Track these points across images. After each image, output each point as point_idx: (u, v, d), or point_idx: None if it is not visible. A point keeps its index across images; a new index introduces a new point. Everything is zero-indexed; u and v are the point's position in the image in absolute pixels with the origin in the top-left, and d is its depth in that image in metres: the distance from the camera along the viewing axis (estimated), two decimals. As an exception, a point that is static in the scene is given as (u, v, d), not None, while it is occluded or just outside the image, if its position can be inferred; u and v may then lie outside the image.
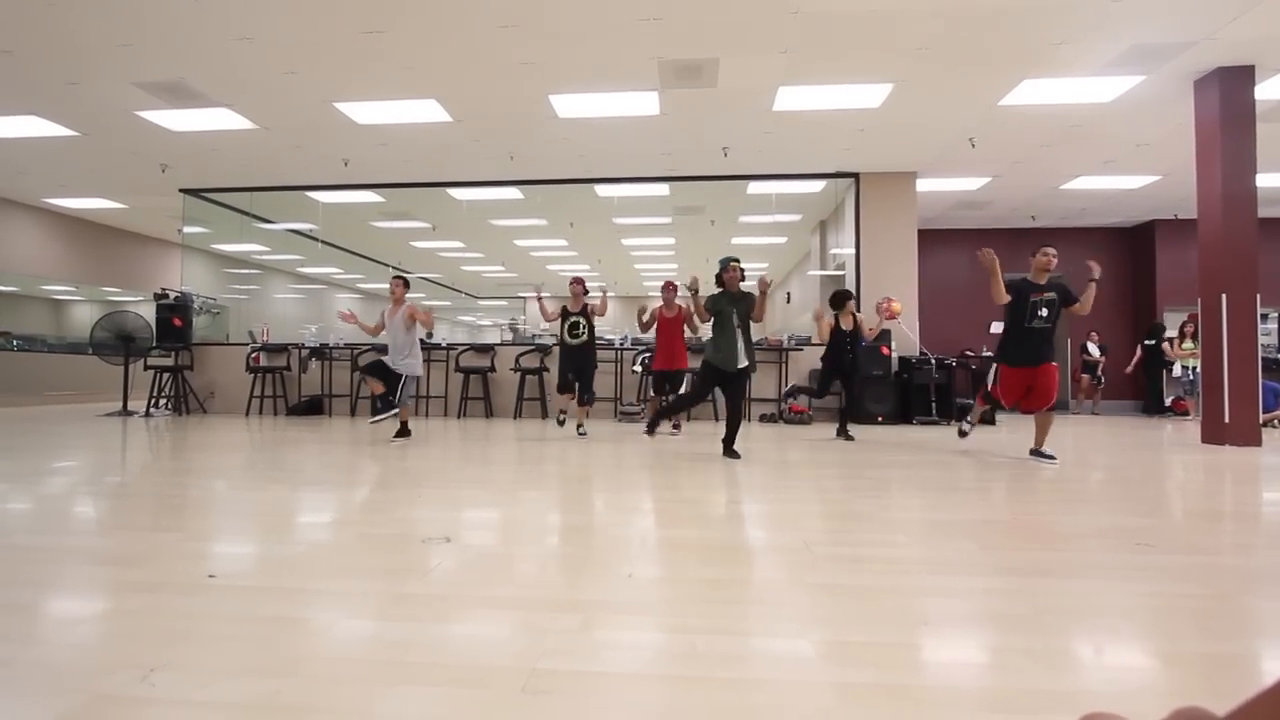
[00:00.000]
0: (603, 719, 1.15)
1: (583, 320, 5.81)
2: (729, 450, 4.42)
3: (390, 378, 5.36)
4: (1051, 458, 4.27)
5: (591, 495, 3.27)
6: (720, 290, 4.54)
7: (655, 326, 6.11)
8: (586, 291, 5.89)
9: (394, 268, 15.31)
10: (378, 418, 5.28)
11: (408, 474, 3.80)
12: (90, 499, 3.03)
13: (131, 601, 1.70)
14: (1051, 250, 4.36)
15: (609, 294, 6.02)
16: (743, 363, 4.42)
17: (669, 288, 6.17)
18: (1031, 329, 4.31)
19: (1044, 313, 4.29)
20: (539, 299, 6.08)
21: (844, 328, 5.75)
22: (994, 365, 4.64)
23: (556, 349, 6.22)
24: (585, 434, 5.85)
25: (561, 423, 6.22)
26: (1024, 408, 4.47)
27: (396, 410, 5.29)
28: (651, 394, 6.57)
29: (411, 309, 5.43)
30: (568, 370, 5.86)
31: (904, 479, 3.74)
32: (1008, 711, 1.18)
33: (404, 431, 5.45)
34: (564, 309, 5.90)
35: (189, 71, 5.54)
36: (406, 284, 5.68)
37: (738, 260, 4.49)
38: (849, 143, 7.13)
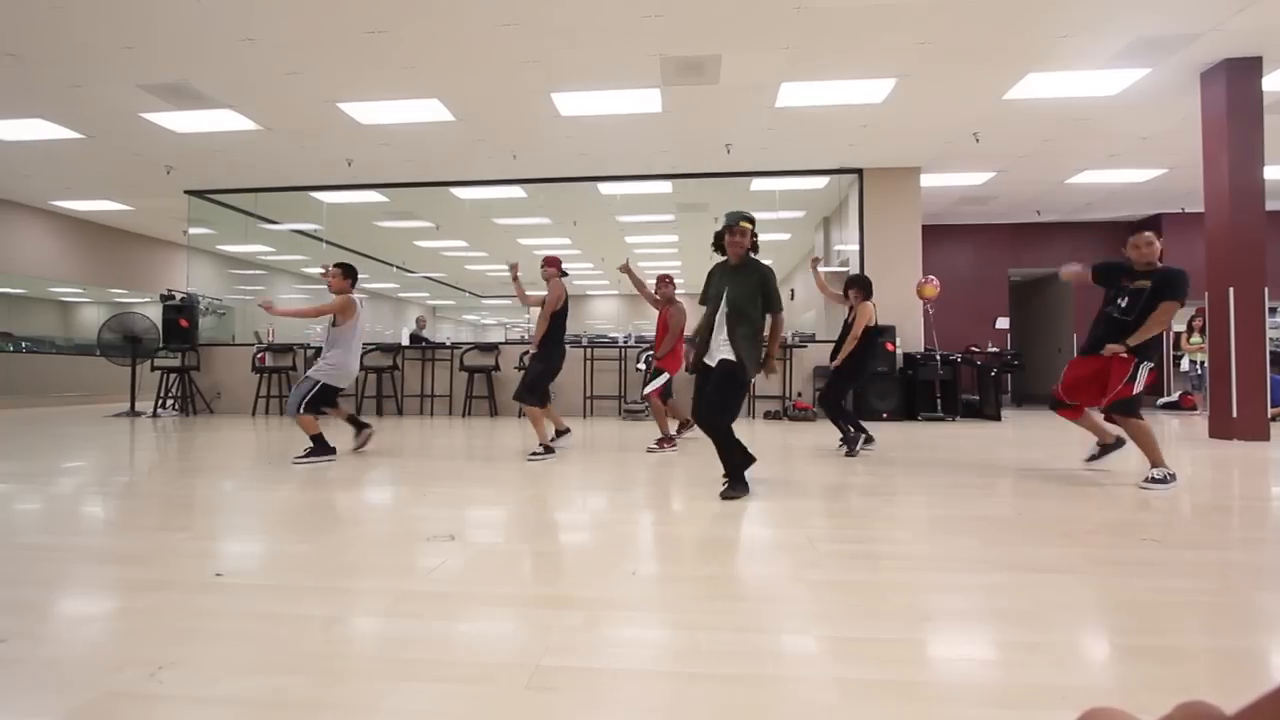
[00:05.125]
0: (606, 716, 1.15)
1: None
2: (728, 482, 3.11)
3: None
4: (1160, 481, 3.27)
5: (594, 493, 3.27)
6: (720, 263, 3.30)
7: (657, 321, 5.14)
8: (564, 273, 4.64)
9: (399, 267, 15.34)
10: (303, 460, 4.08)
11: (412, 473, 3.81)
12: (99, 499, 3.06)
13: (140, 600, 1.71)
14: (1144, 239, 3.40)
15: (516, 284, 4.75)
16: (721, 353, 3.13)
17: (664, 282, 5.10)
18: (1106, 316, 3.49)
19: (1123, 303, 3.42)
20: (515, 277, 4.82)
21: (847, 318, 4.85)
22: None
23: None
24: (539, 457, 4.31)
25: (555, 436, 4.88)
26: (1084, 403, 3.62)
27: (332, 457, 4.19)
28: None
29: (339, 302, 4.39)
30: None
31: (906, 475, 3.73)
32: (1012, 707, 1.18)
33: (322, 447, 4.15)
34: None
35: (192, 73, 5.56)
36: (346, 273, 4.46)
37: (751, 221, 3.17)
38: (852, 138, 7.10)
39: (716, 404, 3.10)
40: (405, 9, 4.61)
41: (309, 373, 4.33)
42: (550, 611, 1.63)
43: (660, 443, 4.84)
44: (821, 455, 4.59)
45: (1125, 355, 3.35)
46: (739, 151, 7.40)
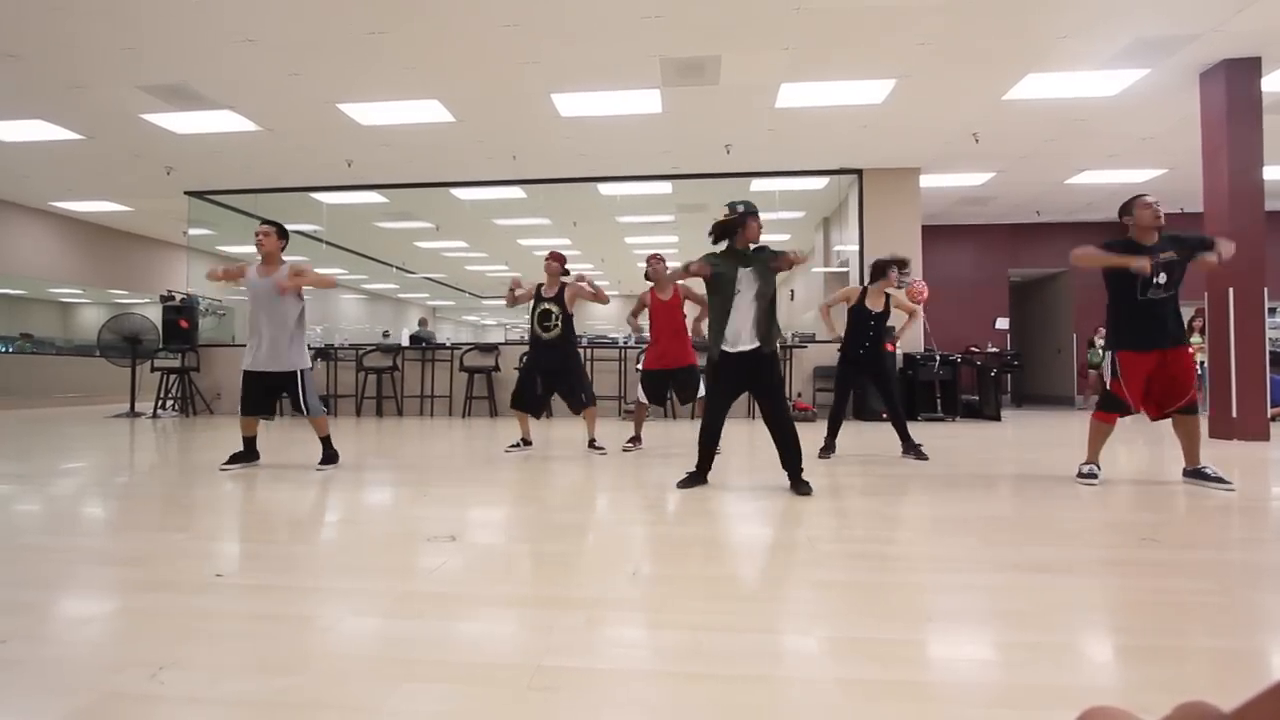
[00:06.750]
0: (608, 716, 1.15)
1: (555, 309, 4.40)
2: (796, 480, 3.15)
3: (275, 391, 3.85)
4: (1224, 481, 3.18)
5: (594, 493, 3.27)
6: (724, 250, 3.27)
7: (648, 315, 4.78)
8: (566, 271, 4.54)
9: (398, 268, 15.33)
10: (324, 467, 3.77)
11: (413, 473, 3.81)
12: (99, 499, 3.05)
13: (140, 600, 1.71)
14: (1151, 198, 3.26)
15: (594, 283, 4.58)
16: (751, 341, 3.15)
17: (655, 260, 4.73)
18: (1149, 302, 3.22)
19: (1161, 279, 3.19)
20: (512, 291, 4.54)
21: (871, 308, 4.43)
22: (1108, 356, 3.42)
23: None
24: (603, 449, 4.59)
25: (515, 446, 4.60)
26: (1155, 409, 3.36)
27: (335, 462, 3.87)
28: (640, 400, 4.85)
29: (296, 270, 3.84)
30: (534, 373, 4.44)
31: (906, 475, 3.73)
32: (1012, 706, 1.18)
33: (330, 456, 3.89)
34: (537, 290, 4.53)
35: (193, 74, 5.57)
36: (282, 234, 3.91)
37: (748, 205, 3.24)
38: (852, 139, 7.11)
39: (778, 409, 3.23)
40: (405, 10, 4.61)
41: (296, 366, 3.83)
42: (551, 611, 1.63)
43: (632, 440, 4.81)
44: (823, 456, 4.58)
45: (1190, 349, 3.31)
46: (739, 152, 7.41)
